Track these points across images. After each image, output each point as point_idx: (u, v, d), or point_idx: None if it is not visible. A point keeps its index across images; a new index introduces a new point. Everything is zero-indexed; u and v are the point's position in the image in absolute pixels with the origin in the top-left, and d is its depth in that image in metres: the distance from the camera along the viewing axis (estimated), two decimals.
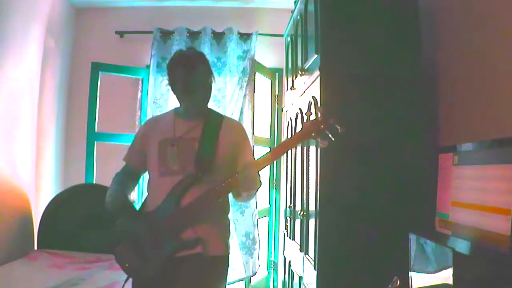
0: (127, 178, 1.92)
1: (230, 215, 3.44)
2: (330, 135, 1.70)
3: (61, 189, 3.32)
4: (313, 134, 1.71)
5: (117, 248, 1.76)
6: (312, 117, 1.78)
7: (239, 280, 3.44)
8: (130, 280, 1.80)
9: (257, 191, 1.88)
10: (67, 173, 3.61)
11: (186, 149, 1.78)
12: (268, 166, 3.76)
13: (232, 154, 1.82)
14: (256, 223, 3.43)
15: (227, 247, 1.84)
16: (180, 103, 1.85)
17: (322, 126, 1.70)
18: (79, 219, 2.86)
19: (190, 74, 1.73)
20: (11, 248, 2.56)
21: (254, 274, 3.47)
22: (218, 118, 1.88)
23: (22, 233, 2.75)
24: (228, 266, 1.85)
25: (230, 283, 3.40)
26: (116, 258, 1.77)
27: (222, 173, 1.77)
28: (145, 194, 1.90)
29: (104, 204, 1.82)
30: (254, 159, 1.84)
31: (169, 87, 1.83)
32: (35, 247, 2.88)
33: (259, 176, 1.75)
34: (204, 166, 1.75)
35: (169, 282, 1.74)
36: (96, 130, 3.44)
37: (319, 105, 2.10)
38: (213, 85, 1.83)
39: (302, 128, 1.77)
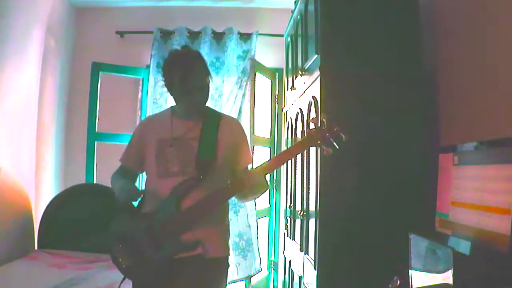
0: (125, 177, 1.86)
1: None
2: (334, 143, 1.68)
3: (61, 189, 3.32)
4: (318, 142, 1.70)
5: (113, 248, 1.74)
6: (317, 122, 1.77)
7: (232, 282, 3.36)
8: (127, 280, 1.79)
9: (264, 192, 1.89)
10: (67, 173, 3.61)
11: (185, 150, 1.75)
12: None
13: (231, 153, 1.81)
14: (251, 224, 3.37)
15: (227, 248, 1.82)
16: (177, 103, 1.83)
17: (327, 134, 1.67)
18: (80, 219, 2.86)
19: (188, 76, 1.70)
20: (12, 248, 2.57)
21: (249, 276, 3.40)
22: (215, 117, 1.85)
23: (22, 233, 2.75)
24: (228, 266, 1.84)
25: None
26: (112, 259, 1.75)
27: (222, 175, 1.78)
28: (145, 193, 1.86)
29: (115, 199, 1.75)
30: (252, 156, 1.85)
31: (165, 88, 1.82)
32: (36, 247, 2.88)
33: (265, 179, 1.74)
34: (205, 167, 1.73)
35: (169, 284, 1.73)
36: (96, 130, 3.45)
37: (319, 106, 2.10)
38: (210, 84, 1.79)
39: (307, 136, 1.74)
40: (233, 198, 1.85)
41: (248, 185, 1.67)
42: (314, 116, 2.20)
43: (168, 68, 1.76)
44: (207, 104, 1.85)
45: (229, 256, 1.84)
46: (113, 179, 1.87)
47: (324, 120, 1.71)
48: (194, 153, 1.74)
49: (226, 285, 1.87)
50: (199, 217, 1.70)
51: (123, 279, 1.78)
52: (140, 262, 1.70)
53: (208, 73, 1.78)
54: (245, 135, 1.91)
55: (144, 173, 1.89)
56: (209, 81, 1.78)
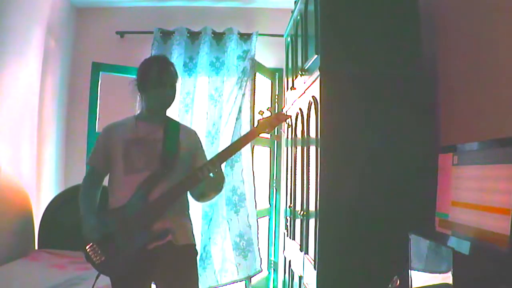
0: (94, 186, 2.01)
1: (224, 214, 3.42)
2: (280, 130, 1.93)
3: (61, 189, 3.33)
4: (267, 130, 2.02)
5: (86, 246, 1.84)
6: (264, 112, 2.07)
7: (232, 282, 3.37)
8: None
9: (221, 187, 2.03)
10: (67, 173, 3.62)
11: (150, 148, 1.92)
12: (269, 166, 3.81)
13: (190, 154, 2.01)
14: (251, 223, 3.36)
15: (193, 236, 2.01)
16: (147, 102, 1.99)
17: (274, 121, 2.01)
18: (80, 219, 2.86)
19: (164, 70, 1.96)
20: (12, 248, 2.57)
21: (250, 277, 3.38)
22: (175, 123, 2.06)
23: (22, 233, 2.76)
24: (197, 254, 2.01)
25: (222, 285, 3.36)
26: (86, 257, 1.85)
27: (183, 170, 1.96)
28: (109, 193, 1.96)
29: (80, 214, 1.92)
30: (207, 159, 2.03)
31: (137, 87, 1.98)
32: (36, 247, 2.88)
33: (221, 170, 1.95)
34: (169, 163, 1.91)
35: (145, 272, 1.88)
36: (96, 130, 3.45)
37: (319, 106, 2.11)
38: (177, 88, 2.03)
39: (257, 125, 2.02)
40: (205, 201, 2.15)
41: (206, 174, 1.90)
42: (315, 116, 2.21)
43: (144, 66, 1.98)
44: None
45: (195, 244, 2.00)
46: (82, 194, 1.98)
47: (270, 110, 2.01)
48: (159, 150, 1.92)
49: (197, 271, 2.03)
50: (166, 206, 1.87)
51: (98, 275, 1.89)
52: (115, 256, 1.83)
53: (177, 75, 2.04)
54: (201, 143, 2.13)
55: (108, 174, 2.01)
56: (176, 84, 2.02)
